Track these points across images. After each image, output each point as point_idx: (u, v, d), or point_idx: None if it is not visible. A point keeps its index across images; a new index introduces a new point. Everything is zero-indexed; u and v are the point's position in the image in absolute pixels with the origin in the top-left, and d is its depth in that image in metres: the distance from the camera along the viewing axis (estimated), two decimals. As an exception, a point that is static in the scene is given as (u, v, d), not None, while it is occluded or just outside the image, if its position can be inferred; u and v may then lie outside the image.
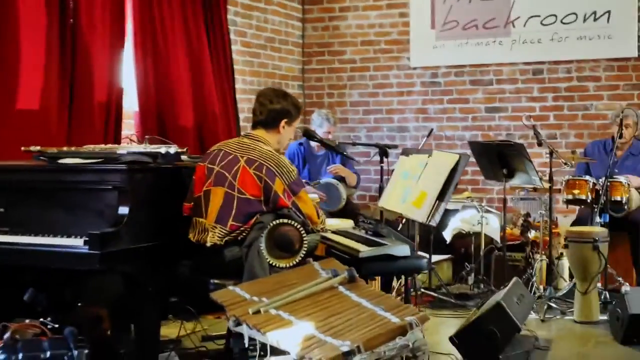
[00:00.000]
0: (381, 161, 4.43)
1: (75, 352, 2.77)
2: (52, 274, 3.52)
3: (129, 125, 5.30)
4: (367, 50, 7.30)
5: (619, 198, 5.32)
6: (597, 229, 4.81)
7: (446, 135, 6.89)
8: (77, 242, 3.15)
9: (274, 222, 3.25)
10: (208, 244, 3.43)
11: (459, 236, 5.79)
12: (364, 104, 7.41)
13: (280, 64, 7.09)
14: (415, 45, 7.12)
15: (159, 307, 3.75)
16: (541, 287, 5.49)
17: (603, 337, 4.50)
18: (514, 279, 4.71)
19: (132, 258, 3.32)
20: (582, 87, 6.53)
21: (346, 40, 7.46)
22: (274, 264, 3.28)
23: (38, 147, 3.58)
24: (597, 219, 5.33)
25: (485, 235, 5.80)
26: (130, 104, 5.33)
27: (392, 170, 4.38)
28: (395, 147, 4.85)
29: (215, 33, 5.84)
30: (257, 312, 2.63)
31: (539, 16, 6.53)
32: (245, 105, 6.44)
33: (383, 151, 4.43)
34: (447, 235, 5.88)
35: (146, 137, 4.31)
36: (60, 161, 3.48)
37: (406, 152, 4.31)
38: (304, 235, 3.27)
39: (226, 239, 3.41)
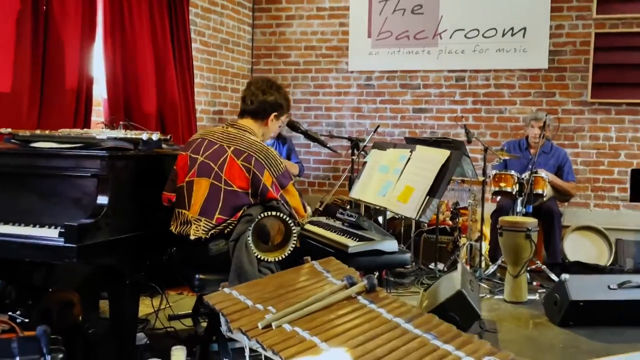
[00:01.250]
0: (352, 154, 3.78)
1: (48, 358, 1.96)
2: (21, 262, 2.84)
3: (98, 112, 4.68)
4: (309, 54, 6.78)
5: (540, 191, 5.12)
6: (529, 220, 4.48)
7: (377, 131, 6.36)
8: (51, 233, 2.49)
9: (263, 215, 2.55)
10: (192, 237, 2.78)
11: (393, 219, 5.26)
12: (305, 102, 6.95)
13: (233, 63, 6.52)
14: (353, 51, 6.71)
15: (138, 296, 2.97)
16: (468, 267, 5.01)
17: (539, 319, 4.19)
18: (460, 265, 4.17)
19: (111, 251, 2.72)
20: (498, 94, 6.31)
21: (291, 45, 6.95)
22: (262, 258, 2.57)
23: (9, 129, 2.90)
24: (520, 209, 5.13)
25: (373, 205, 5.46)
26: (99, 91, 4.72)
27: (363, 164, 3.71)
28: (362, 140, 4.16)
29: (178, 30, 5.28)
30: (268, 325, 1.84)
31: (463, 30, 6.25)
32: (202, 98, 5.98)
33: (355, 144, 3.78)
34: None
35: (121, 122, 3.52)
36: (33, 145, 2.81)
37: (379, 146, 3.64)
38: (293, 228, 2.58)
39: (212, 232, 2.76)
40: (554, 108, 5.97)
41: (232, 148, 2.74)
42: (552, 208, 5.24)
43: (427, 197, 2.90)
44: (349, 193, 3.65)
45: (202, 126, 5.94)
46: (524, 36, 6.01)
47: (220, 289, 2.23)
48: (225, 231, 2.70)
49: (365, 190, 3.42)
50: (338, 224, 3.23)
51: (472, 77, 6.32)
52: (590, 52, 5.78)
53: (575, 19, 5.92)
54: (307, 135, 3.57)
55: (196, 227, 2.71)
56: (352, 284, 2.02)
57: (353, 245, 2.74)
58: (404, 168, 3.18)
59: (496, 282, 5.05)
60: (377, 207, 3.33)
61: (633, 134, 5.82)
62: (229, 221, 2.71)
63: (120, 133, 3.05)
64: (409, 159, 3.19)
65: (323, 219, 3.35)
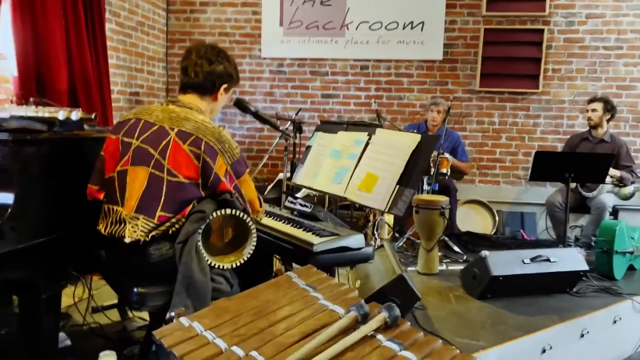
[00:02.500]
0: (295, 137, 2.95)
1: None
2: None
3: (7, 91, 3.78)
4: (223, 40, 6.07)
5: (444, 170, 4.78)
6: (443, 198, 4.14)
7: (288, 114, 5.64)
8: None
9: (217, 213, 1.67)
10: (127, 240, 1.97)
11: (307, 195, 4.54)
12: None
13: (149, 46, 5.68)
14: (266, 39, 6.12)
15: (58, 310, 1.97)
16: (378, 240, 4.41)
17: (456, 291, 3.81)
18: (386, 244, 3.47)
19: (21, 262, 1.71)
20: (398, 82, 6.00)
21: (205, 31, 6.24)
22: (215, 265, 1.68)
23: None
24: (427, 187, 4.77)
25: (330, 194, 4.70)
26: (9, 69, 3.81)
27: (307, 148, 2.86)
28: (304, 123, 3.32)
29: (92, 7, 4.42)
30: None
31: (368, 22, 5.86)
32: (119, 79, 5.12)
33: (298, 127, 2.95)
34: (299, 194, 4.56)
35: (31, 98, 2.46)
36: None
37: (325, 129, 2.81)
38: (252, 227, 1.72)
39: (153, 233, 1.95)
40: (447, 95, 5.62)
41: (176, 130, 1.98)
42: (449, 185, 5.01)
43: (397, 186, 2.13)
44: (293, 179, 2.80)
45: (119, 108, 4.87)
46: (422, 30, 5.61)
47: (174, 316, 1.35)
48: (170, 232, 1.86)
49: (313, 177, 2.61)
50: (288, 213, 2.42)
51: (376, 66, 5.97)
52: (480, 45, 5.35)
53: (466, 15, 5.63)
54: (258, 116, 2.66)
55: (133, 227, 1.92)
56: (365, 316, 1.23)
57: (318, 243, 1.99)
58: (362, 153, 2.39)
59: (407, 255, 4.44)
60: (331, 196, 2.53)
61: (513, 119, 5.60)
62: (174, 219, 1.93)
63: (30, 110, 2.03)
64: (367, 143, 2.41)
65: (270, 208, 2.52)
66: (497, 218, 5.51)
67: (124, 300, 2.23)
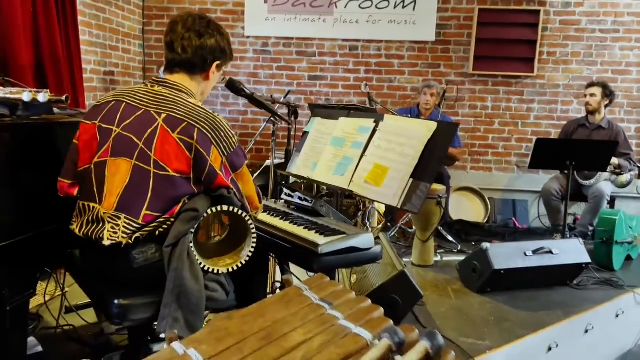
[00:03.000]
0: (289, 122, 2.70)
1: None
2: None
3: None
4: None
5: None
6: (440, 187, 3.98)
7: (273, 97, 5.34)
8: None
9: (213, 210, 1.43)
10: (106, 242, 1.66)
11: (296, 183, 4.35)
12: None
13: (124, 22, 5.31)
14: (249, 16, 5.76)
15: (26, 323, 1.71)
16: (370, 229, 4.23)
17: (454, 284, 3.67)
18: (382, 236, 3.29)
19: None
20: (389, 63, 5.74)
21: (184, 7, 5.83)
22: (209, 269, 1.45)
23: None
24: None
25: (331, 187, 4.54)
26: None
27: (303, 134, 2.59)
28: (301, 107, 3.03)
29: None
30: None
31: (357, 0, 5.09)
32: (92, 57, 4.68)
33: (293, 111, 2.70)
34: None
35: (-10, 77, 2.17)
36: None
37: (323, 114, 2.54)
38: (252, 226, 1.49)
39: (137, 235, 1.66)
40: (439, 79, 5.41)
41: (164, 115, 1.68)
42: (442, 172, 4.77)
43: (411, 180, 1.90)
44: (288, 168, 2.54)
45: (92, 88, 4.53)
46: (414, 9, 5.35)
47: (165, 340, 1.11)
48: (157, 233, 1.62)
49: (312, 167, 2.35)
50: (285, 207, 2.19)
51: (365, 46, 5.69)
52: (473, 26, 5.16)
53: None
54: (253, 99, 2.38)
55: (113, 228, 1.67)
56: (400, 345, 1.01)
57: (324, 244, 1.76)
58: (368, 142, 2.15)
59: (400, 245, 4.26)
60: (333, 188, 2.26)
61: (506, 104, 5.40)
62: (162, 219, 1.66)
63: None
64: (374, 130, 2.16)
65: (265, 201, 2.28)
66: (489, 206, 5.37)
67: (102, 312, 1.97)
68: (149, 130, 1.65)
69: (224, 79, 2.42)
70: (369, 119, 2.30)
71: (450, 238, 4.61)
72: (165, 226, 1.65)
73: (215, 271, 1.63)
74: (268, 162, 4.33)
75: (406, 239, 4.65)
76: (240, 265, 1.63)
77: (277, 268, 2.42)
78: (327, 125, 2.48)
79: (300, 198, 2.13)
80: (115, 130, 1.69)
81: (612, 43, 5.30)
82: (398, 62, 5.54)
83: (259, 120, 5.60)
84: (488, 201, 5.32)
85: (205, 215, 1.62)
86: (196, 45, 1.75)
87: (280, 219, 2.09)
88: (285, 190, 2.18)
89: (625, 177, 4.58)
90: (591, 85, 4.69)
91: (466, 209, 5.36)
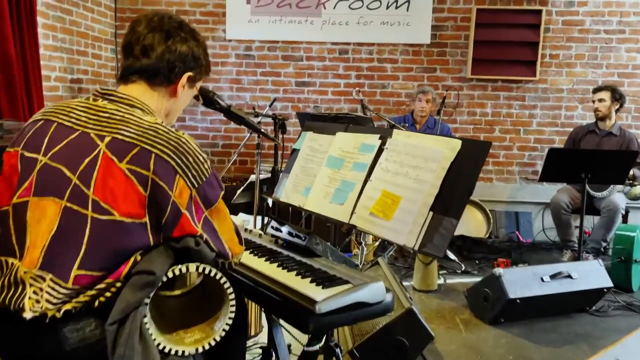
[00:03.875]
0: (276, 137, 2.29)
1: None
2: None
3: None
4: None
5: None
6: None
7: (258, 105, 4.98)
8: None
9: (175, 272, 1.00)
10: (28, 314, 1.16)
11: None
12: None
13: (94, 25, 4.84)
14: (231, 18, 5.30)
15: None
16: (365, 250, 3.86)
17: (462, 314, 3.29)
18: (382, 261, 2.91)
19: None
20: (381, 68, 5.33)
21: (161, 9, 5.35)
22: (170, 350, 1.01)
23: None
24: None
25: (329, 219, 4.14)
26: None
27: (292, 152, 2.16)
28: (287, 119, 2.58)
29: None
30: None
31: (347, 0, 4.69)
32: (57, 64, 4.17)
33: (280, 124, 2.29)
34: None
35: None
36: None
37: (317, 127, 2.12)
38: (230, 292, 1.06)
39: (67, 306, 1.17)
40: (435, 84, 5.00)
41: (107, 139, 1.23)
42: None
43: (431, 213, 1.50)
44: (275, 193, 2.12)
45: (57, 97, 4.10)
46: (407, 10, 4.96)
47: None
48: (96, 303, 1.17)
49: (304, 192, 1.93)
50: (271, 243, 1.79)
51: (356, 50, 5.29)
52: (471, 28, 4.81)
53: None
54: (231, 114, 1.92)
55: (36, 294, 1.18)
56: None
57: (323, 300, 1.34)
58: (374, 163, 1.74)
59: (398, 266, 3.89)
60: (331, 220, 1.82)
61: (507, 110, 5.04)
62: (102, 284, 1.19)
63: None
64: (380, 149, 1.75)
65: (247, 234, 1.88)
66: (491, 219, 5.00)
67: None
68: (87, 160, 1.20)
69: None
70: (373, 135, 1.87)
71: (452, 256, 4.23)
72: (108, 293, 1.18)
73: (180, 353, 1.18)
74: (253, 177, 3.92)
75: (405, 258, 4.26)
76: (213, 342, 1.21)
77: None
78: (321, 142, 2.03)
79: (290, 233, 1.71)
80: (41, 160, 1.24)
81: (618, 44, 4.96)
82: (391, 66, 5.11)
83: (243, 130, 5.17)
84: (490, 214, 4.96)
85: (164, 279, 1.17)
86: (162, 49, 1.32)
87: (266, 259, 1.67)
88: (272, 223, 1.77)
89: (639, 189, 4.25)
90: (598, 90, 4.36)
91: (467, 223, 4.97)
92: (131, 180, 1.18)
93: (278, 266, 1.64)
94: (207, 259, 1.25)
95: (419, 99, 4.56)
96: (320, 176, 1.94)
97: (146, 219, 1.20)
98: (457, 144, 1.59)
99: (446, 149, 1.59)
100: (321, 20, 5.06)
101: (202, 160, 1.27)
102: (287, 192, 2.03)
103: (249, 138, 4.17)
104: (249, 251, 1.77)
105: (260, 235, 1.98)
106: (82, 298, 1.17)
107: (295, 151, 2.14)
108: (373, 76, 5.17)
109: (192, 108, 5.25)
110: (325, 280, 1.49)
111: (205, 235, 1.26)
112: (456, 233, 4.74)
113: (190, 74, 1.39)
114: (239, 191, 3.93)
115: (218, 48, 5.22)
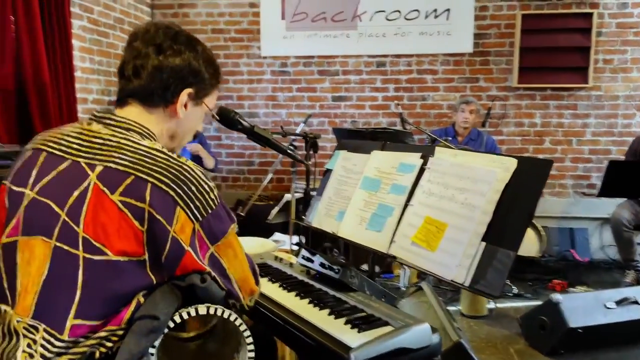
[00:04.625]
0: (307, 157, 2.13)
1: None
2: None
3: None
4: (217, 38, 5.27)
5: None
6: None
7: (294, 122, 4.88)
8: None
9: (183, 316, 0.82)
10: None
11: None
12: None
13: None
14: (266, 35, 5.20)
15: None
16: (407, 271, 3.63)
17: (516, 343, 2.98)
18: (425, 285, 2.61)
19: None
20: (421, 80, 5.08)
21: (196, 28, 5.28)
22: None
23: None
24: None
25: (366, 248, 3.89)
26: None
27: (325, 172, 1.99)
28: (319, 137, 2.42)
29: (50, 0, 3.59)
30: None
31: (384, 11, 4.93)
32: (94, 86, 4.13)
33: (312, 143, 2.13)
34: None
35: None
36: None
37: (351, 146, 1.93)
38: (248, 336, 0.87)
39: (64, 359, 1.01)
40: (478, 94, 4.73)
41: (99, 168, 1.09)
42: None
43: (484, 244, 1.30)
44: (307, 217, 1.95)
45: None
46: (447, 18, 4.72)
47: None
48: (97, 354, 1.03)
49: (337, 217, 1.75)
50: (302, 274, 1.62)
51: (394, 62, 5.08)
52: (516, 34, 4.56)
53: (499, 0, 4.57)
54: (254, 134, 1.76)
55: (30, 347, 1.04)
56: None
57: (359, 348, 1.15)
58: (415, 185, 1.55)
59: (443, 289, 3.65)
60: (369, 250, 1.61)
61: (557, 119, 4.71)
62: (102, 332, 1.05)
63: None
64: (421, 169, 1.56)
65: (273, 262, 1.72)
66: (543, 236, 4.68)
67: None
68: (76, 193, 1.06)
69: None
70: (413, 154, 1.65)
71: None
72: (109, 343, 1.03)
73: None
74: (288, 196, 3.78)
75: (450, 280, 4.01)
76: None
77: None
78: (356, 161, 1.83)
79: (322, 265, 1.54)
80: (28, 195, 1.11)
81: (679, 46, 4.62)
82: (431, 77, 4.90)
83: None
84: (542, 231, 4.64)
85: (171, 324, 1.03)
86: (153, 65, 1.17)
87: (297, 294, 1.51)
88: (303, 252, 1.60)
89: None
90: (661, 95, 4.03)
91: (517, 241, 4.69)
92: (125, 214, 1.03)
93: (309, 303, 1.46)
94: (217, 297, 1.10)
95: (461, 110, 4.34)
96: (355, 199, 1.73)
97: (145, 257, 1.05)
98: (512, 164, 1.36)
99: (499, 169, 1.36)
100: (357, 32, 4.90)
101: (208, 189, 1.11)
102: (320, 217, 1.85)
103: (284, 156, 4.04)
104: (278, 284, 1.61)
105: (291, 264, 1.82)
106: (80, 349, 1.02)
107: (328, 171, 1.97)
108: (412, 88, 4.96)
109: (210, 125, 5.17)
110: (361, 321, 1.31)
111: (214, 272, 1.11)
112: (505, 252, 4.47)
113: (190, 90, 1.22)
114: (273, 211, 3.79)
115: (253, 65, 5.14)
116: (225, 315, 1.10)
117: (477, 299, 3.36)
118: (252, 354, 1.11)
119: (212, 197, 1.12)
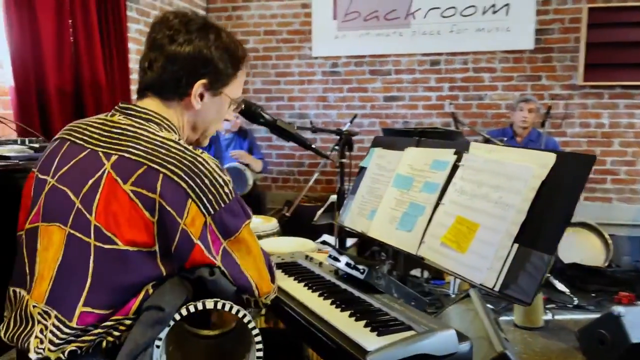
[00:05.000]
0: (342, 155, 2.08)
1: None
2: None
3: (5, 104, 3.11)
4: (269, 39, 5.32)
5: None
6: None
7: (344, 122, 4.81)
8: None
9: (190, 309, 0.76)
10: (32, 356, 1.01)
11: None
12: (266, 92, 5.37)
13: None
14: (317, 35, 5.17)
15: None
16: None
17: (574, 359, 2.78)
18: (473, 293, 2.38)
19: None
20: (477, 78, 4.88)
21: (249, 30, 5.38)
22: None
23: None
24: None
25: (394, 248, 3.72)
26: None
27: (360, 170, 1.93)
28: (355, 134, 2.36)
29: (107, 5, 3.68)
30: None
31: (439, 8, 4.77)
32: None
33: (347, 141, 2.07)
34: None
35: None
36: None
37: (386, 143, 1.85)
38: (257, 335, 0.80)
39: (71, 347, 1.00)
40: (540, 93, 4.47)
41: (114, 158, 1.07)
42: None
43: (516, 246, 1.19)
44: (340, 217, 1.90)
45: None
46: (507, 14, 4.53)
47: None
48: (104, 344, 1.03)
49: (369, 216, 1.68)
50: (331, 274, 1.55)
51: (449, 60, 4.91)
52: (581, 29, 4.34)
53: None
54: (276, 128, 1.72)
55: (42, 332, 1.04)
56: None
57: (376, 351, 1.08)
58: (447, 183, 1.46)
59: (494, 296, 3.36)
60: (396, 249, 1.53)
61: (628, 119, 4.39)
62: (110, 321, 1.03)
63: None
64: (455, 166, 1.47)
65: (303, 261, 1.67)
66: (610, 245, 4.37)
67: None
68: (91, 181, 1.05)
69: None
70: (446, 150, 1.55)
71: (561, 288, 3.70)
72: (116, 332, 1.03)
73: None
74: (334, 197, 3.72)
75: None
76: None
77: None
78: (390, 159, 1.75)
79: (348, 264, 1.47)
80: (49, 182, 1.12)
81: None
82: (489, 75, 4.69)
83: (327, 147, 5.02)
84: (609, 239, 4.33)
85: (177, 317, 1.00)
86: (164, 57, 1.14)
87: (320, 294, 1.45)
88: (330, 251, 1.54)
89: None
90: None
91: (581, 249, 4.38)
92: (135, 203, 1.02)
93: (332, 304, 1.40)
94: (226, 292, 1.06)
95: (520, 109, 4.12)
96: (387, 198, 1.64)
97: (155, 247, 1.03)
98: (549, 159, 1.23)
99: (536, 165, 1.24)
100: (410, 31, 4.77)
101: (222, 183, 1.08)
102: (353, 216, 1.78)
103: (331, 155, 3.99)
104: (303, 284, 1.56)
105: (320, 264, 1.77)
106: (88, 337, 1.02)
107: (362, 169, 1.90)
108: (468, 87, 4.77)
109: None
110: (381, 324, 1.23)
111: (224, 268, 1.07)
112: (569, 260, 4.21)
113: (203, 81, 1.17)
114: (319, 212, 3.74)
115: (304, 66, 5.13)
116: (234, 312, 1.06)
117: (533, 309, 3.16)
118: (260, 353, 1.06)
119: (227, 191, 1.09)
